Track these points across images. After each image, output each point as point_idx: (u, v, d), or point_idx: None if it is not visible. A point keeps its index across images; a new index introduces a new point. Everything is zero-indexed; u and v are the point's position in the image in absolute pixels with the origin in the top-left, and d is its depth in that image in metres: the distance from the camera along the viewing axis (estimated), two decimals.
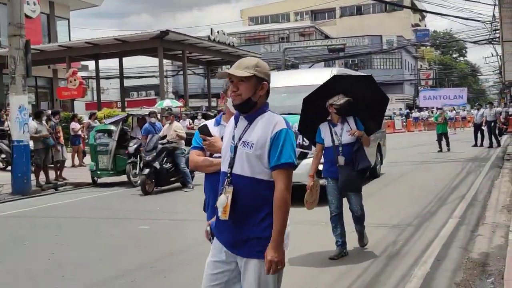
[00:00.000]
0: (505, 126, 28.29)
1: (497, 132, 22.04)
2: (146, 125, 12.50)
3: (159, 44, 24.98)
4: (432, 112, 34.70)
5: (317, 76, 10.05)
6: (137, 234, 7.74)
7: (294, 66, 36.95)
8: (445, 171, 13.57)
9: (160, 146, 10.97)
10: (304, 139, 8.20)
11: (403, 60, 63.36)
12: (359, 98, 5.83)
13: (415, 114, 43.40)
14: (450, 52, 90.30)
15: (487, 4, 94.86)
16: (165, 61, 35.98)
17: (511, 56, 16.38)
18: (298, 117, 6.10)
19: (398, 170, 14.16)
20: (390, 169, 14.14)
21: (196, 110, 32.95)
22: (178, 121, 15.90)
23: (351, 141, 5.73)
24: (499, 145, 20.74)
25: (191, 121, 22.15)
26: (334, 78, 5.97)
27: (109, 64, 40.35)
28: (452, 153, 18.72)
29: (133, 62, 43.90)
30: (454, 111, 36.80)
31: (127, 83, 51.46)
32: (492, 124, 21.20)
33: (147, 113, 12.94)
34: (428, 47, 75.85)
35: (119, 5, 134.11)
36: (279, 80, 10.68)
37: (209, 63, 33.56)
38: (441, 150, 19.29)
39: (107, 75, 41.14)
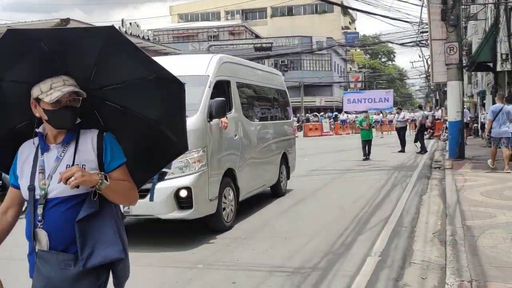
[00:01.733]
0: (431, 131, 27.72)
1: (425, 137, 20.92)
2: None
3: None
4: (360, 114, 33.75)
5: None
6: None
7: None
8: (368, 183, 11.87)
9: None
10: None
11: (333, 62, 62.92)
12: (122, 83, 2.50)
13: (342, 117, 42.54)
14: (379, 56, 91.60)
15: (414, 4, 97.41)
16: None
17: (440, 56, 15.05)
18: None
19: (312, 183, 12.22)
20: (304, 180, 12.35)
21: None
22: None
23: (76, 194, 2.31)
24: (425, 151, 19.49)
25: None
26: (14, 33, 2.15)
27: None
28: (377, 161, 17.17)
29: None
30: (381, 115, 35.99)
31: None
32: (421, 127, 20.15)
33: None
34: (357, 50, 76.20)
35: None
36: None
37: None
38: (366, 158, 17.66)
39: None
